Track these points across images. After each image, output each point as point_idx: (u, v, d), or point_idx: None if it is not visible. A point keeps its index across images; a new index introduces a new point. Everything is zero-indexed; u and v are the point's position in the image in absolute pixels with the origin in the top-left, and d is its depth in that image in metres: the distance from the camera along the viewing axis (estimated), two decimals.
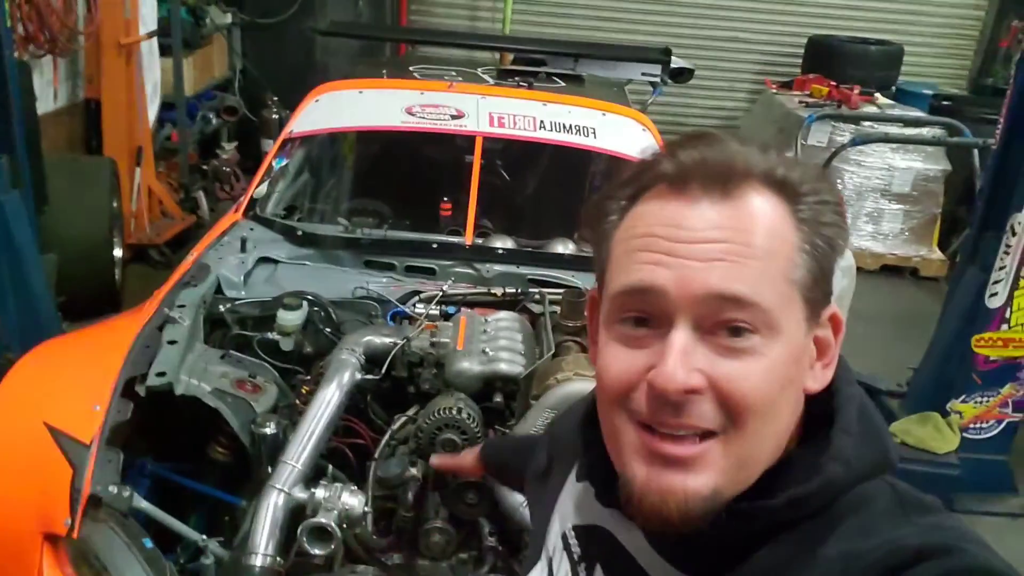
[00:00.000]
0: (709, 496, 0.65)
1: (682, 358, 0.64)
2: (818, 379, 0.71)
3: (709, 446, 0.65)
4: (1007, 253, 2.63)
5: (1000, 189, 2.69)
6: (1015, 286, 2.65)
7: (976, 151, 4.43)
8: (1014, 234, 2.61)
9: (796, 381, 0.68)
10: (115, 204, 3.97)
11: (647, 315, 0.67)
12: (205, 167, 5.26)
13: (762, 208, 0.66)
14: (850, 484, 0.67)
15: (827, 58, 5.93)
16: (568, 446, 0.90)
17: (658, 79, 3.62)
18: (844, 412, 0.70)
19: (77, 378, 1.80)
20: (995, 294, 2.68)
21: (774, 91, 5.93)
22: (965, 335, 2.76)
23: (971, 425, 2.82)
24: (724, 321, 0.65)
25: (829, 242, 0.68)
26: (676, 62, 3.72)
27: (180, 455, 1.90)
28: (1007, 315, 2.69)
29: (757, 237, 0.65)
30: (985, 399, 2.78)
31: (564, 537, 0.83)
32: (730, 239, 0.64)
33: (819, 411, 0.72)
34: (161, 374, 1.81)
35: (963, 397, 2.79)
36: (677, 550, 0.71)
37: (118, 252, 3.97)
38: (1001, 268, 2.65)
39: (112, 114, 4.17)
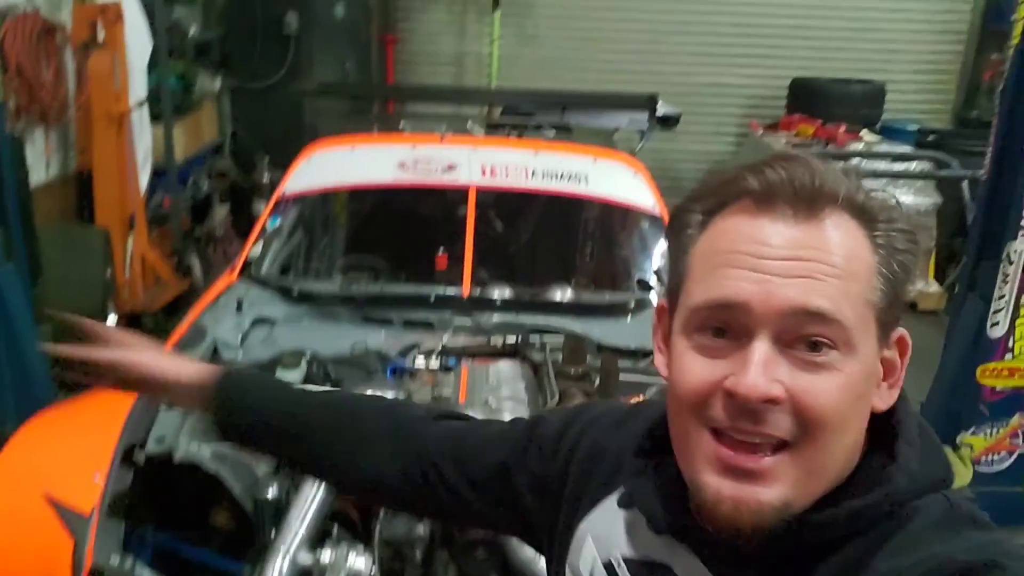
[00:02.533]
0: (781, 508, 0.67)
1: (763, 368, 0.66)
2: (884, 399, 0.73)
3: (780, 459, 0.67)
4: (1005, 282, 2.63)
5: (994, 218, 2.70)
6: (1016, 314, 2.64)
7: (965, 183, 4.47)
8: (1011, 262, 2.61)
9: (866, 398, 0.70)
10: (108, 273, 3.96)
11: (727, 327, 0.69)
12: (198, 232, 5.26)
13: (844, 231, 0.68)
14: (911, 496, 0.69)
15: (811, 98, 6.01)
16: (606, 464, 0.88)
17: (646, 126, 3.66)
18: (906, 426, 0.72)
19: (75, 447, 1.77)
20: (996, 323, 2.67)
21: (760, 133, 6.00)
22: (969, 366, 2.74)
23: (983, 458, 2.78)
24: (804, 336, 0.67)
25: (903, 267, 0.70)
26: (662, 108, 3.77)
27: (182, 522, 1.86)
28: (1010, 344, 2.68)
29: (839, 258, 0.67)
30: (994, 430, 2.75)
31: (610, 567, 0.82)
32: (814, 258, 0.67)
33: (876, 428, 0.73)
34: (160, 440, 1.78)
35: (972, 429, 2.76)
36: (737, 573, 0.71)
37: (112, 321, 3.94)
38: (1001, 297, 2.65)
39: (104, 183, 4.17)
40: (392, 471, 0.98)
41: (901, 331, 0.73)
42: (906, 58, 6.54)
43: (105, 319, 3.85)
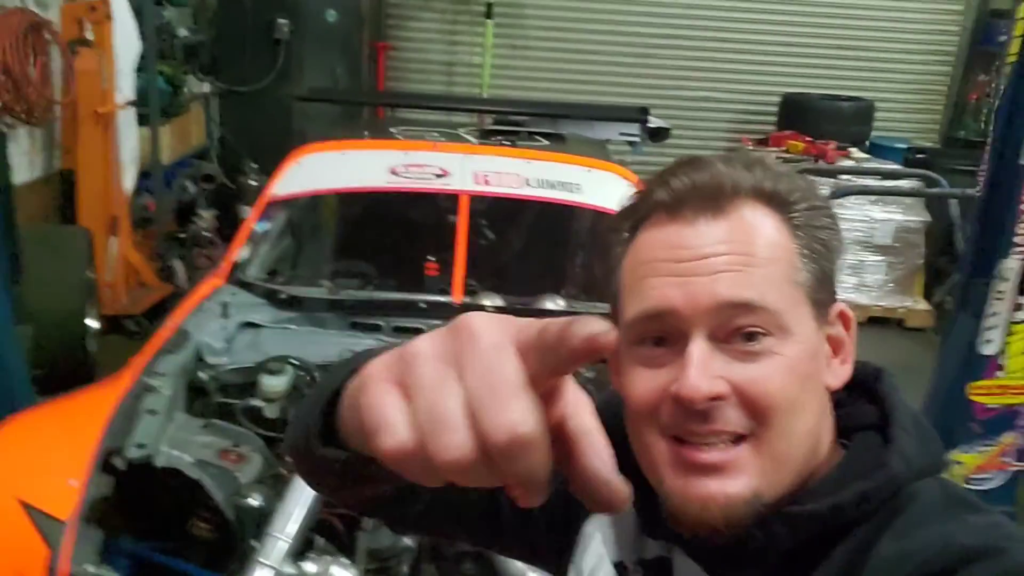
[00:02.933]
0: (750, 499, 0.67)
1: (702, 367, 0.66)
2: (838, 375, 0.73)
3: (741, 450, 0.67)
4: (998, 299, 2.62)
5: (987, 236, 2.69)
6: (1009, 332, 2.64)
7: (955, 201, 4.48)
8: (1004, 280, 2.61)
9: (815, 378, 0.70)
10: (91, 274, 3.90)
11: (664, 335, 0.69)
12: (182, 235, 5.21)
13: (757, 219, 0.70)
14: (908, 481, 0.68)
15: (801, 115, 6.03)
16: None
17: (637, 138, 3.65)
18: (899, 412, 0.72)
19: (53, 452, 1.73)
20: (989, 341, 2.66)
21: (751, 148, 6.01)
22: (961, 383, 2.72)
23: (974, 476, 2.77)
24: (737, 328, 0.67)
25: (825, 244, 0.72)
26: (653, 122, 3.76)
27: (161, 531, 1.81)
28: (1002, 362, 2.67)
29: (756, 247, 0.68)
30: (986, 448, 2.74)
31: (621, 566, 0.80)
32: (730, 251, 0.68)
33: (866, 423, 0.74)
34: (141, 446, 1.74)
35: (964, 447, 2.74)
36: (736, 572, 0.70)
37: (94, 323, 3.89)
38: (993, 315, 2.64)
39: (88, 184, 4.12)
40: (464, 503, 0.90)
41: (840, 305, 0.74)
42: (895, 77, 6.59)
43: (87, 321, 3.78)
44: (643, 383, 0.69)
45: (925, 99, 6.71)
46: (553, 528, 0.88)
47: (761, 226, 0.69)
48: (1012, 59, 2.57)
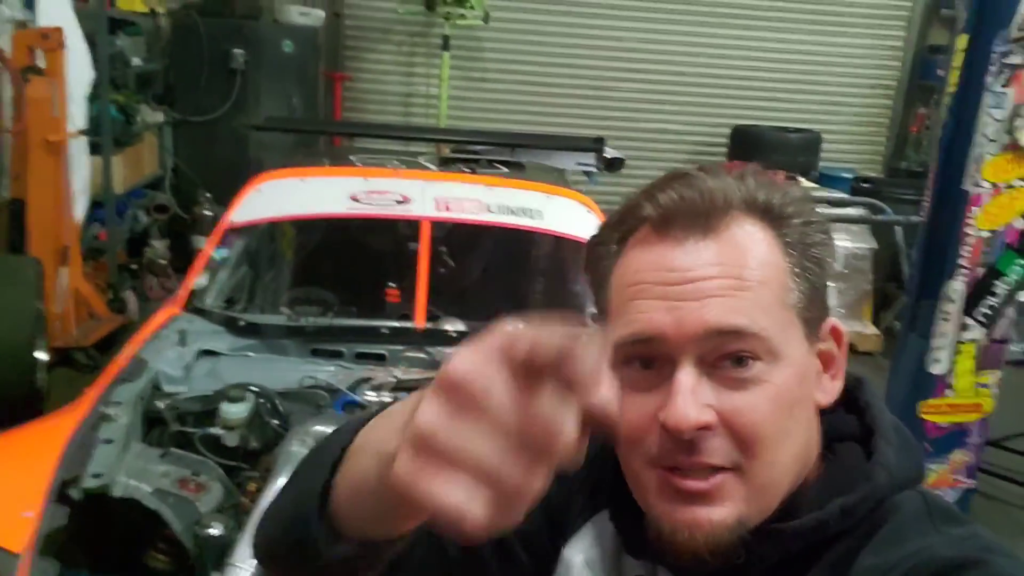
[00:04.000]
0: (734, 526, 0.66)
1: (690, 396, 0.64)
2: (828, 391, 0.72)
3: (726, 478, 0.66)
4: (945, 320, 2.71)
5: (932, 259, 2.79)
6: (956, 351, 2.72)
7: (899, 228, 4.62)
8: (950, 301, 2.69)
9: (805, 400, 0.69)
10: (40, 306, 3.80)
11: (651, 358, 0.67)
12: (134, 266, 5.12)
13: (748, 238, 0.67)
14: (890, 493, 0.68)
15: (751, 146, 6.18)
16: (584, 483, 0.84)
17: (593, 168, 3.70)
18: (881, 423, 0.72)
19: (6, 482, 1.68)
20: (938, 360, 2.74)
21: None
22: (912, 403, 2.80)
23: None
24: (727, 354, 0.66)
25: (819, 262, 0.70)
26: (609, 152, 3.82)
27: (118, 563, 1.76)
28: (951, 381, 2.75)
29: (747, 269, 0.66)
30: (938, 466, 2.81)
31: None
32: (721, 274, 0.66)
33: (848, 432, 0.74)
34: (97, 475, 1.70)
35: None
36: None
37: (43, 355, 3.78)
38: (941, 335, 2.72)
39: (38, 213, 4.03)
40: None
41: (832, 321, 0.72)
42: (841, 110, 6.80)
43: (35, 353, 3.68)
44: (631, 410, 0.67)
45: (869, 131, 6.93)
46: (534, 557, 0.86)
47: (752, 246, 0.67)
48: (952, 89, 2.68)
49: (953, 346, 2.74)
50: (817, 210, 0.72)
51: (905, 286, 3.88)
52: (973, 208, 2.64)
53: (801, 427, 0.69)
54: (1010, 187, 2.63)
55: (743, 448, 0.65)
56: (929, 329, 2.77)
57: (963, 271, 2.68)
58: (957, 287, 2.70)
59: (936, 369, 2.76)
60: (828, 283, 0.72)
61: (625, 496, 0.77)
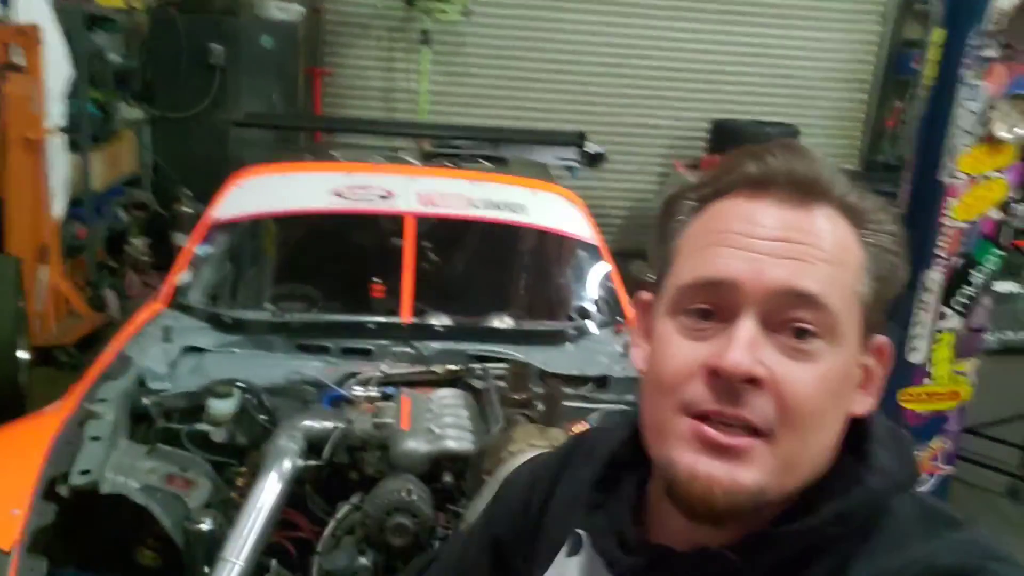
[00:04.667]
0: (755, 492, 0.65)
1: (748, 346, 0.65)
2: (862, 405, 0.72)
3: (759, 443, 0.65)
4: (923, 309, 2.75)
5: (910, 250, 2.82)
6: (934, 340, 2.76)
7: None
8: (927, 291, 2.74)
9: (844, 398, 0.69)
10: (20, 304, 3.77)
11: (715, 307, 0.67)
12: (114, 264, 5.08)
13: (835, 223, 0.69)
14: (885, 497, 0.68)
15: (730, 139, 6.21)
16: (555, 519, 0.85)
17: (574, 163, 3.72)
18: (875, 426, 0.72)
19: None
20: (915, 349, 2.78)
21: (683, 172, 6.17)
22: (891, 391, 2.83)
23: None
24: (791, 319, 0.66)
25: (890, 270, 0.71)
26: (590, 147, 3.84)
27: (107, 560, 1.76)
28: (929, 369, 2.80)
29: (830, 245, 0.67)
30: (917, 453, 2.85)
31: None
32: (805, 240, 0.67)
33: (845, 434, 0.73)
34: (85, 472, 1.69)
35: None
36: None
37: (23, 354, 3.75)
38: (919, 324, 2.76)
39: (17, 211, 4.00)
40: None
41: (882, 339, 0.73)
42: (817, 104, 6.86)
43: (16, 351, 3.66)
44: (680, 353, 0.67)
45: (845, 125, 7.00)
46: None
47: (839, 231, 0.68)
48: (928, 82, 2.71)
49: (931, 335, 2.78)
50: (899, 226, 0.73)
51: None
52: (949, 199, 2.68)
53: (835, 421, 0.69)
54: (985, 178, 2.67)
55: (784, 416, 0.65)
56: (907, 318, 2.81)
57: (940, 261, 2.73)
58: (935, 277, 2.74)
59: (915, 358, 2.80)
60: (890, 301, 0.72)
61: (604, 517, 0.77)
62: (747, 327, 0.65)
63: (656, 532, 0.75)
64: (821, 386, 0.65)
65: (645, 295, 0.77)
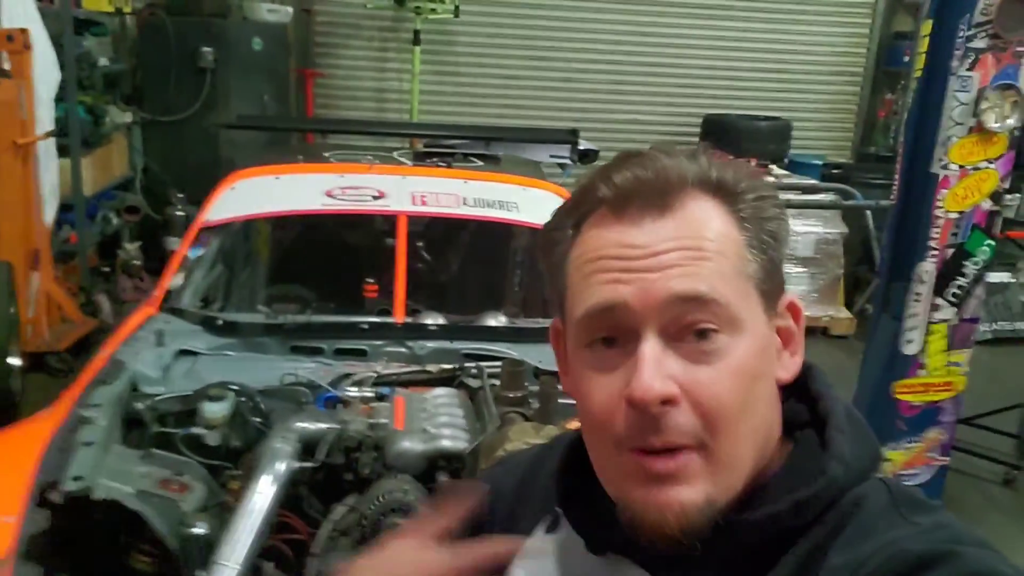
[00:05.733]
0: (704, 505, 0.66)
1: (655, 366, 0.65)
2: (788, 368, 0.73)
3: (690, 458, 0.66)
4: (917, 301, 2.76)
5: (903, 241, 2.83)
6: (928, 332, 2.77)
7: (869, 212, 4.69)
8: (921, 282, 2.74)
9: (766, 374, 0.70)
10: (12, 310, 3.76)
11: (614, 334, 0.68)
12: (107, 269, 5.06)
13: (704, 214, 0.68)
14: (849, 485, 0.67)
15: (722, 135, 6.21)
16: (526, 500, 0.86)
17: (567, 160, 3.71)
18: (834, 413, 0.71)
19: None
20: (910, 341, 2.79)
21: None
22: (886, 383, 2.84)
23: (902, 472, 2.88)
24: (689, 324, 0.66)
25: (774, 235, 0.71)
26: (581, 144, 3.84)
27: (100, 566, 1.75)
28: (923, 360, 2.80)
29: (705, 241, 0.67)
30: (913, 444, 2.86)
31: None
32: (680, 246, 0.66)
33: (801, 420, 0.73)
34: (78, 478, 1.68)
35: (891, 444, 2.86)
36: None
37: (15, 360, 3.74)
38: (913, 316, 2.77)
39: (8, 217, 3.98)
40: None
41: (789, 297, 0.73)
42: (809, 97, 6.87)
43: (8, 358, 3.64)
44: (596, 392, 0.68)
45: (838, 118, 7.01)
46: None
47: (708, 220, 0.68)
48: (918, 74, 2.72)
49: (925, 326, 2.79)
50: (769, 185, 0.73)
51: (876, 269, 3.95)
52: (942, 190, 2.69)
53: (763, 402, 0.69)
54: (976, 169, 2.67)
55: (707, 423, 0.65)
56: (901, 311, 2.81)
57: (933, 252, 2.73)
58: (928, 268, 2.75)
59: (909, 349, 2.81)
60: (784, 258, 0.72)
61: (579, 496, 0.78)
62: (649, 347, 0.65)
63: None
64: (735, 380, 0.66)
65: (557, 323, 0.77)
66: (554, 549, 0.80)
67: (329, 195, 2.65)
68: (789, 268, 5.47)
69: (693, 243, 0.67)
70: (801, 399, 0.75)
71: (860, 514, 0.66)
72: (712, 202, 0.69)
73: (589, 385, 0.69)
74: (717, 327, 0.66)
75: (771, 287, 0.70)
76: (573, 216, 0.72)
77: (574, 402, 0.73)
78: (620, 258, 0.67)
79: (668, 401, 0.64)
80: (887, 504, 0.67)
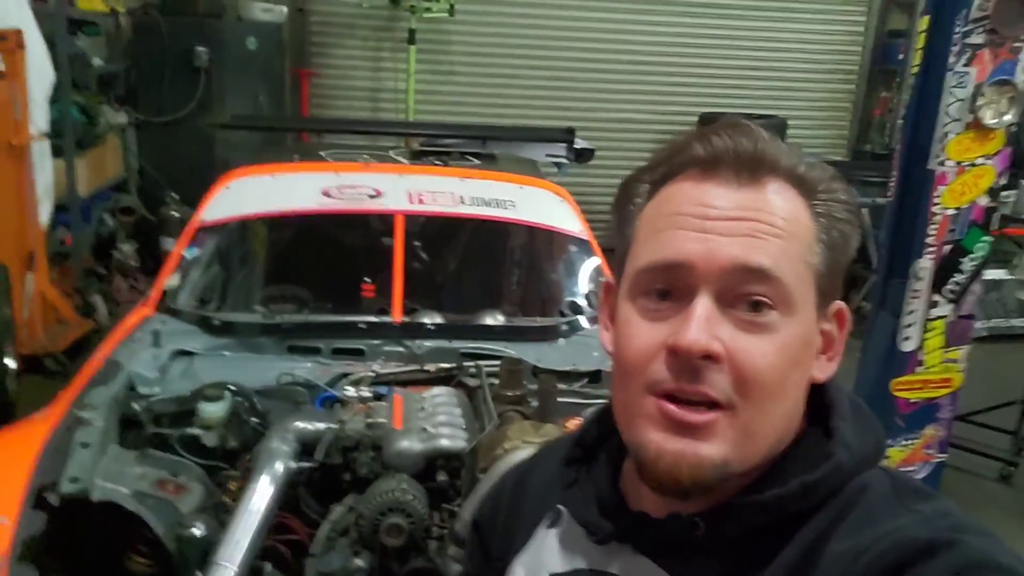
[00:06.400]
0: (720, 464, 0.67)
1: (704, 324, 0.66)
2: (824, 370, 0.74)
3: (720, 416, 0.67)
4: (915, 298, 2.75)
5: (900, 238, 2.82)
6: (926, 328, 2.76)
7: (865, 210, 4.68)
8: (919, 279, 2.74)
9: (805, 365, 0.71)
10: (7, 312, 3.74)
11: (672, 288, 0.69)
12: (102, 270, 5.04)
13: (784, 197, 0.70)
14: (853, 472, 0.69)
15: None
16: (526, 507, 0.88)
17: (563, 159, 3.71)
18: (839, 402, 0.74)
19: None
20: (908, 338, 2.78)
21: None
22: (884, 380, 2.84)
23: (901, 469, 2.88)
24: (745, 294, 0.67)
25: (843, 237, 0.72)
26: (577, 143, 3.83)
27: (97, 568, 1.74)
28: (921, 357, 2.80)
29: (779, 219, 0.69)
30: (910, 441, 2.86)
31: None
32: (755, 217, 0.68)
33: (810, 409, 0.74)
34: (75, 480, 1.67)
35: (890, 441, 2.86)
36: (687, 566, 0.70)
37: (11, 363, 3.72)
38: (911, 312, 2.76)
39: (2, 218, 3.96)
40: None
41: (840, 304, 0.74)
42: (805, 95, 6.89)
43: (3, 360, 3.62)
44: (641, 335, 0.69)
45: (833, 115, 7.03)
46: None
47: (788, 203, 0.70)
48: (915, 70, 2.71)
49: (923, 323, 2.78)
50: (849, 191, 0.74)
51: (873, 267, 3.94)
52: (939, 187, 2.68)
53: (796, 390, 0.70)
54: (974, 165, 2.67)
55: (742, 388, 0.66)
56: (899, 307, 2.81)
57: (930, 249, 2.73)
58: (925, 265, 2.74)
59: (907, 346, 2.80)
60: (846, 265, 0.73)
61: (582, 487, 0.80)
62: (702, 305, 0.67)
63: (633, 503, 0.77)
64: (778, 356, 0.67)
65: (609, 279, 0.80)
66: (556, 542, 0.81)
67: (326, 194, 2.64)
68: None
69: (768, 219, 0.68)
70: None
71: (863, 501, 0.67)
72: (793, 191, 0.71)
73: (634, 330, 0.70)
74: (772, 303, 0.67)
75: (828, 287, 0.71)
76: (659, 171, 0.74)
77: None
78: (695, 216, 0.69)
79: (710, 357, 0.66)
80: (889, 492, 0.68)
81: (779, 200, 0.70)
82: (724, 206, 0.68)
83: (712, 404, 0.67)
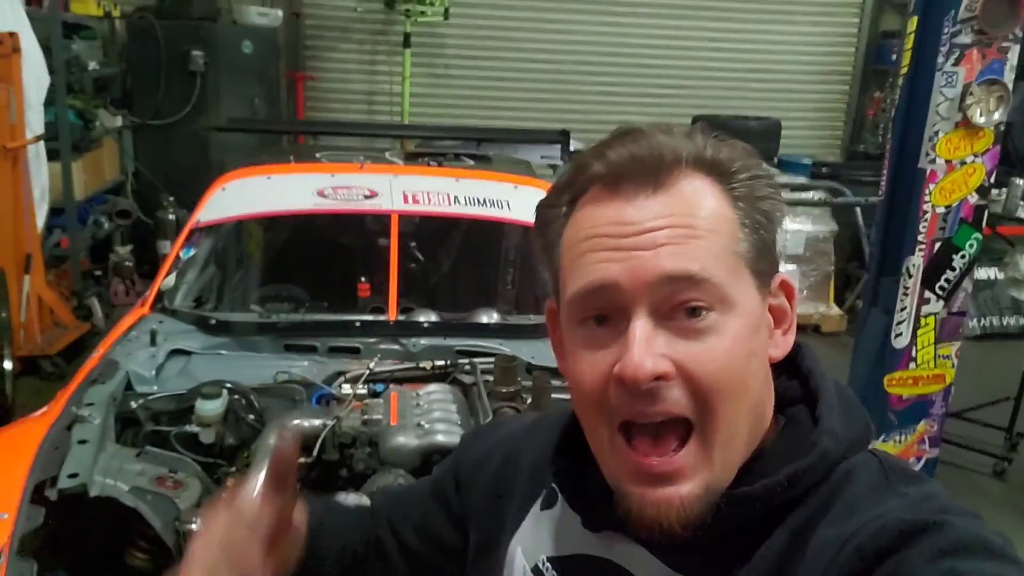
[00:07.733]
0: (704, 495, 0.66)
1: (645, 346, 0.64)
2: (780, 346, 0.73)
3: (689, 449, 0.66)
4: (906, 295, 2.78)
5: (891, 236, 2.86)
6: (917, 325, 2.79)
7: (859, 209, 4.72)
8: (910, 276, 2.76)
9: (759, 352, 0.70)
10: (4, 315, 3.75)
11: (606, 312, 0.68)
12: (99, 273, 5.05)
13: (697, 191, 0.68)
14: (840, 457, 0.68)
15: None
16: (523, 476, 0.88)
17: (558, 161, 3.73)
18: (824, 390, 0.73)
19: None
20: (900, 334, 2.81)
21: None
22: (877, 376, 2.87)
23: None
24: (680, 303, 0.66)
25: (767, 215, 0.70)
26: (572, 145, 3.85)
27: (96, 564, 1.75)
28: (913, 354, 2.82)
29: (697, 219, 0.67)
30: (903, 437, 2.88)
31: (537, 571, 0.81)
32: (671, 224, 0.66)
33: (792, 397, 0.74)
34: (73, 476, 1.68)
35: (883, 437, 2.88)
36: (681, 556, 0.70)
37: (8, 365, 3.73)
38: (902, 309, 2.79)
39: None
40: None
41: (782, 275, 0.73)
42: (798, 97, 6.91)
43: (0, 362, 3.63)
44: (588, 368, 0.68)
45: (827, 116, 7.05)
46: (480, 555, 0.89)
47: (702, 198, 0.68)
48: (904, 70, 2.74)
49: (914, 320, 2.81)
50: (763, 165, 0.72)
51: (867, 266, 3.96)
52: (929, 185, 2.71)
53: (757, 380, 0.69)
54: (963, 163, 2.70)
55: (700, 397, 0.65)
56: (891, 304, 2.83)
57: (921, 247, 2.75)
58: (916, 262, 2.77)
59: (899, 343, 2.83)
60: (777, 237, 0.72)
61: (574, 475, 0.79)
62: (639, 327, 0.65)
63: None
64: (728, 355, 0.66)
65: (552, 304, 0.78)
66: (550, 525, 0.81)
67: (321, 194, 2.65)
68: (780, 266, 5.51)
69: (685, 221, 0.66)
70: (792, 376, 0.76)
71: (850, 486, 0.67)
72: (706, 181, 0.69)
73: (581, 365, 0.69)
74: (708, 305, 0.66)
75: (764, 266, 0.70)
76: (567, 193, 0.72)
77: (566, 396, 0.74)
78: (612, 236, 0.67)
79: (660, 377, 0.65)
80: (877, 476, 0.67)
81: (694, 197, 0.68)
82: (637, 219, 0.67)
83: (682, 433, 0.66)
